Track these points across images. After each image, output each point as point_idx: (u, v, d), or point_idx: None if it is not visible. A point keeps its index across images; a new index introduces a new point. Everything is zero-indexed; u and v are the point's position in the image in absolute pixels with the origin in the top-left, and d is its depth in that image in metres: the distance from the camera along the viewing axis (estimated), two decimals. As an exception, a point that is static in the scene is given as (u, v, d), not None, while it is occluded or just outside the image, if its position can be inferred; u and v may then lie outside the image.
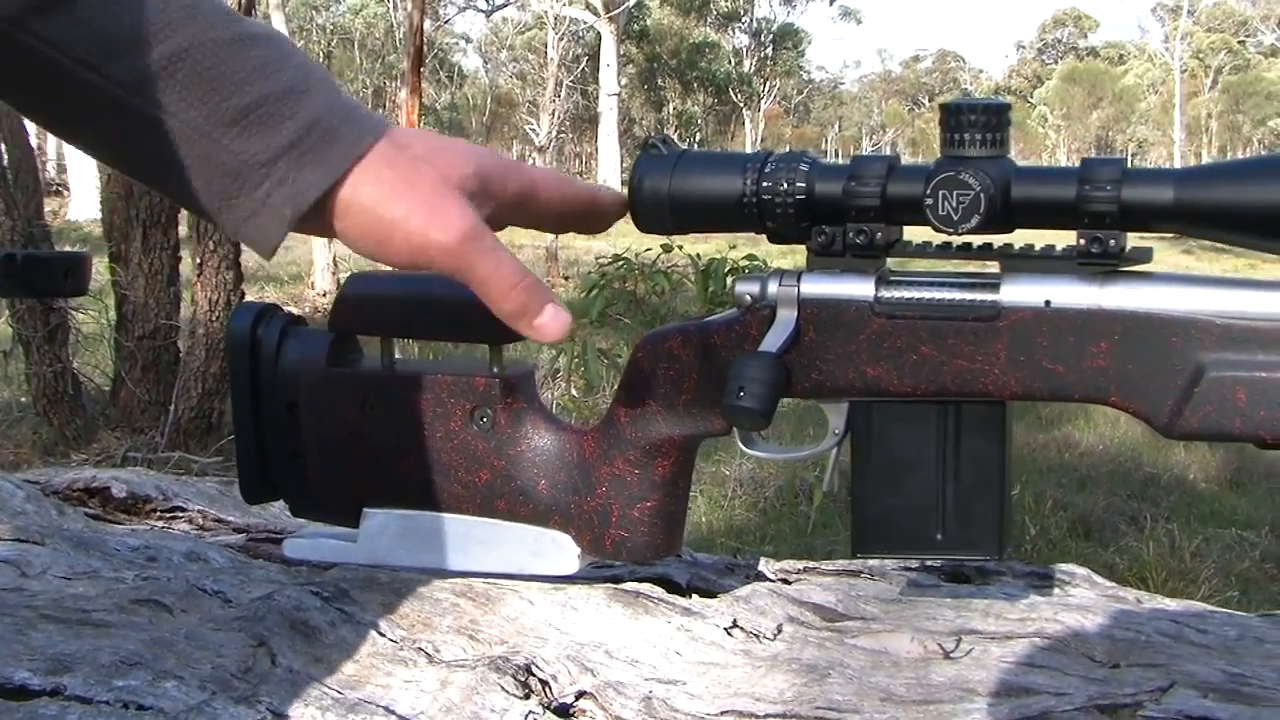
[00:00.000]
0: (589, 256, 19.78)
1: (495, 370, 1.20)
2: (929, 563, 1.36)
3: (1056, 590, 1.34)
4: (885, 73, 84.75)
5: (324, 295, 13.44)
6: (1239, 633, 1.22)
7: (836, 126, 73.88)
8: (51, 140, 27.36)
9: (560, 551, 1.20)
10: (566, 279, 16.49)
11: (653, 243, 8.77)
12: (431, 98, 39.85)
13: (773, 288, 1.09)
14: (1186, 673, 1.10)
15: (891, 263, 1.10)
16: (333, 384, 1.24)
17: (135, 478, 1.76)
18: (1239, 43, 55.90)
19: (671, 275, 8.74)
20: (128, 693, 1.02)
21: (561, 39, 21.68)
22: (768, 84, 46.12)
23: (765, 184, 1.06)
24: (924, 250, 1.07)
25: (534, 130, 21.23)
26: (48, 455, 6.27)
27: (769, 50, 46.11)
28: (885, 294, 1.07)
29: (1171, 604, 1.34)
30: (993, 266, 1.06)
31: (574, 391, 6.48)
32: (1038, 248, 1.05)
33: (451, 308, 1.17)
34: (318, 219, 0.92)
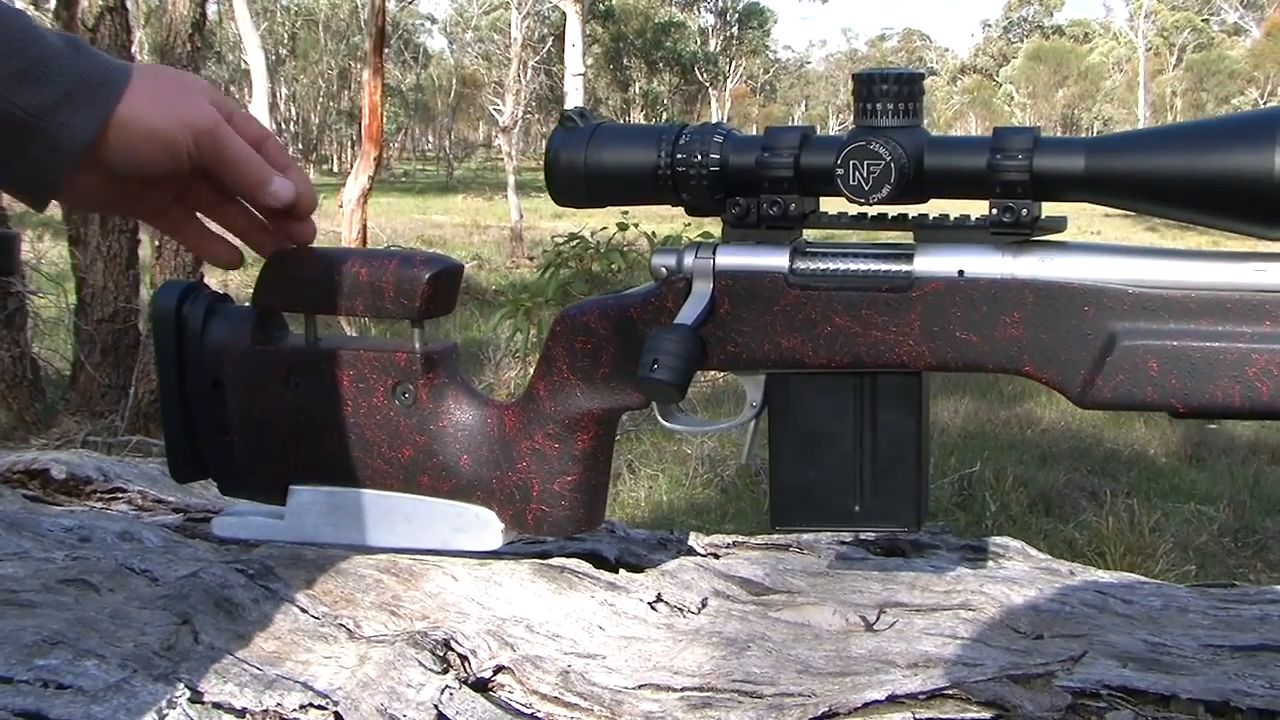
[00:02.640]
0: (553, 237, 19.79)
1: (417, 346, 1.19)
2: (861, 536, 1.37)
3: (990, 563, 1.35)
4: (851, 51, 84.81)
5: (287, 277, 13.37)
6: (1164, 603, 1.23)
7: (803, 105, 73.88)
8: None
9: (483, 527, 1.20)
10: (531, 259, 16.47)
11: (610, 221, 8.77)
12: (397, 79, 39.68)
13: (688, 260, 1.09)
14: (1107, 643, 1.11)
15: (809, 234, 1.11)
16: (257, 360, 1.23)
17: (76, 459, 1.75)
18: (1203, 21, 56.08)
19: (628, 254, 8.74)
20: (47, 672, 1.02)
21: (526, 19, 21.59)
22: (734, 63, 46.06)
23: (680, 156, 1.06)
24: (839, 221, 1.07)
25: (499, 111, 21.17)
26: (6, 440, 6.22)
27: (735, 29, 46.05)
28: (800, 265, 1.07)
29: (1104, 575, 1.35)
30: (907, 237, 1.06)
31: (532, 369, 6.49)
32: (952, 217, 1.05)
33: (371, 285, 1.17)
34: (96, 150, 1.05)
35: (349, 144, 40.10)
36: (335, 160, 42.60)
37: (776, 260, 1.07)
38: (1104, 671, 1.05)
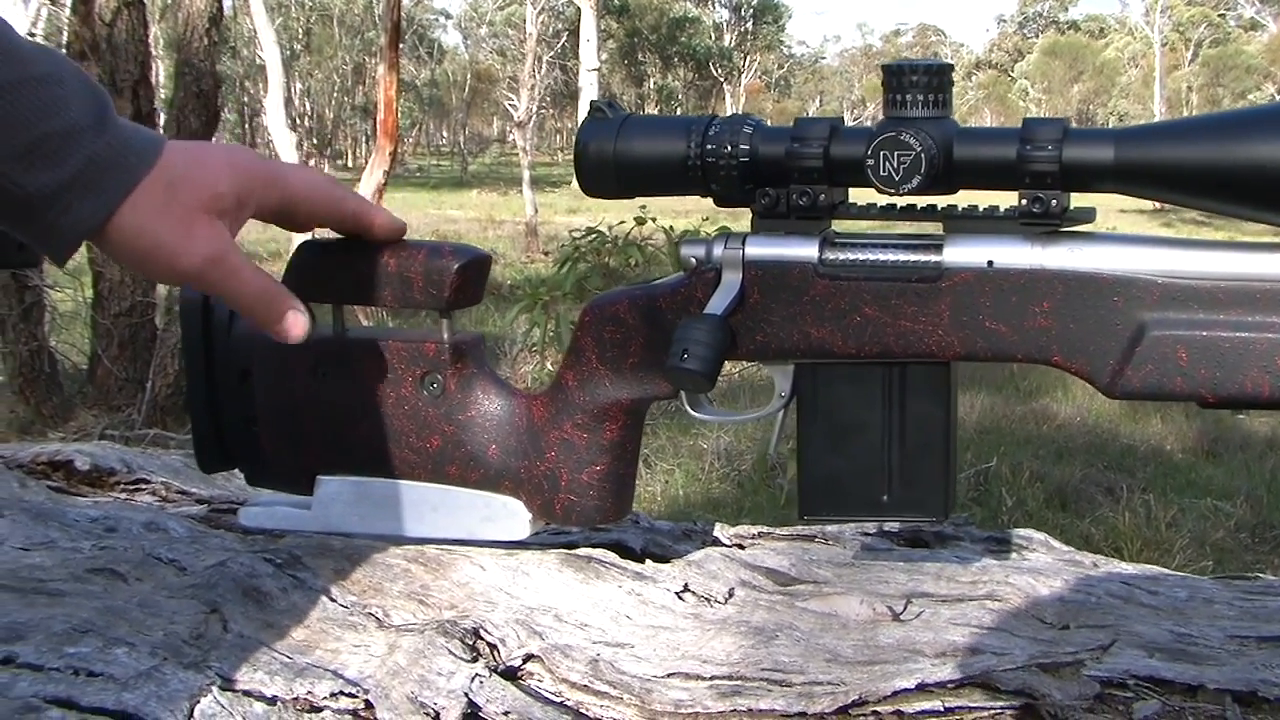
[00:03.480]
0: (568, 232, 19.81)
1: (445, 336, 1.20)
2: (885, 527, 1.37)
3: (1013, 555, 1.35)
4: (866, 47, 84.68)
5: (303, 272, 13.40)
6: (1189, 594, 1.23)
7: (818, 101, 73.81)
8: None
9: (511, 516, 1.21)
10: (546, 254, 16.49)
11: (627, 215, 8.78)
12: (412, 74, 39.73)
13: (718, 250, 1.10)
14: (1134, 633, 1.11)
15: (837, 225, 1.11)
16: (284, 351, 1.24)
17: (100, 451, 1.76)
18: (1219, 16, 55.91)
19: (645, 248, 8.75)
20: (78, 660, 1.02)
21: (541, 14, 21.62)
22: (748, 59, 46.05)
23: (709, 146, 1.06)
24: (868, 212, 1.08)
25: (514, 106, 21.20)
26: (24, 434, 6.25)
27: (749, 25, 46.03)
28: (829, 255, 1.07)
29: (1127, 567, 1.35)
30: (936, 227, 1.07)
31: (550, 366, 6.49)
32: (981, 208, 1.05)
33: (399, 275, 1.18)
34: (98, 241, 0.98)
35: (364, 139, 40.18)
36: (350, 155, 42.69)
37: (806, 250, 1.07)
38: (1131, 661, 1.05)
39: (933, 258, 1.04)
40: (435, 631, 1.07)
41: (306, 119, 38.96)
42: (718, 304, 1.08)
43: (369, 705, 1.01)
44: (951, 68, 1.03)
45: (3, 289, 6.23)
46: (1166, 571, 1.35)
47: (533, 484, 1.20)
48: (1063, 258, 1.02)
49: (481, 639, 1.08)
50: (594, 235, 8.61)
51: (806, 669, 1.04)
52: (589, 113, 1.11)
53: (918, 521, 1.29)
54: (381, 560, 1.20)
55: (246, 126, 35.61)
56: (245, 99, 34.60)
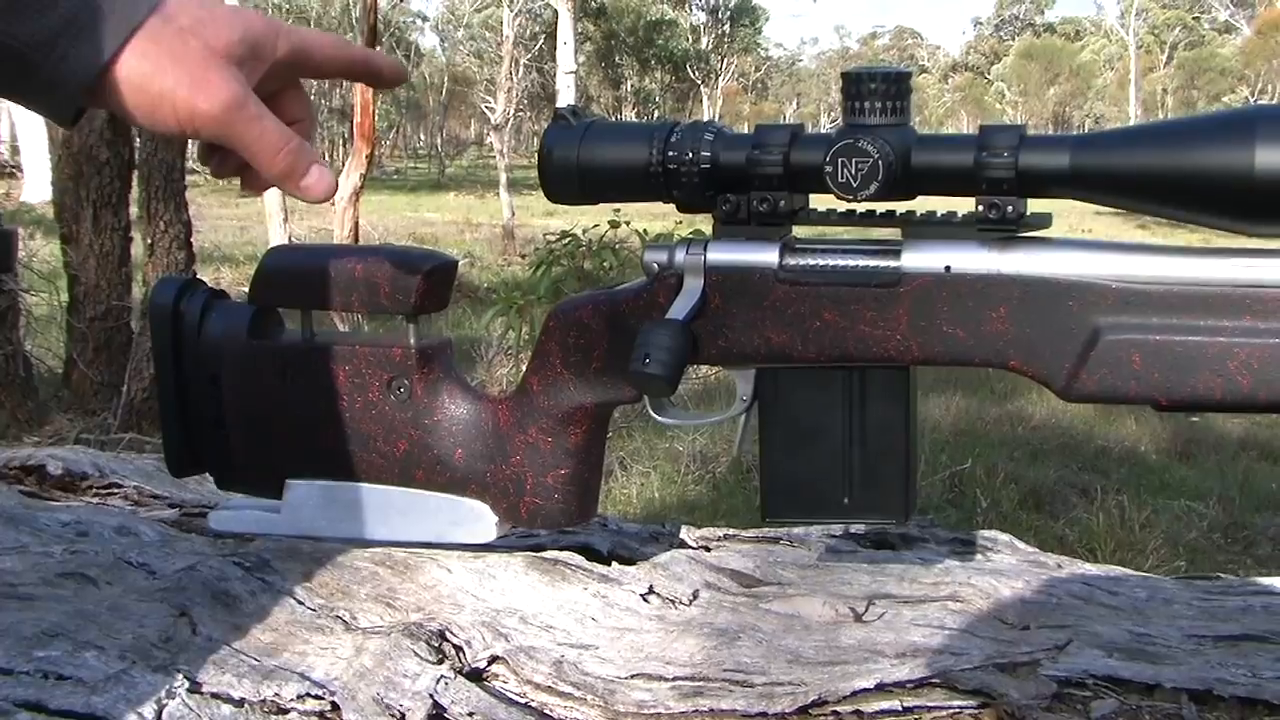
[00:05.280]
0: (545, 235, 19.78)
1: (412, 341, 1.21)
2: (851, 529, 1.38)
3: (978, 556, 1.36)
4: (843, 49, 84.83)
5: (279, 276, 13.38)
6: (1149, 594, 1.25)
7: (795, 103, 73.91)
8: (5, 121, 27.02)
9: (477, 520, 1.22)
10: (523, 257, 16.46)
11: (602, 219, 8.78)
12: (388, 77, 39.58)
13: (680, 256, 1.11)
14: (1093, 633, 1.13)
15: (799, 230, 1.12)
16: (254, 356, 1.25)
17: (72, 455, 1.77)
18: (1194, 19, 56.17)
19: (620, 251, 8.74)
20: (48, 663, 1.03)
21: (518, 17, 21.60)
22: (725, 61, 46.07)
23: (671, 153, 1.07)
24: (828, 217, 1.09)
25: (491, 109, 21.18)
26: (-1, 438, 6.23)
27: (726, 27, 46.03)
28: (789, 261, 1.08)
29: (1090, 568, 1.37)
30: (895, 233, 1.08)
31: (524, 367, 6.51)
32: (939, 214, 1.06)
33: (367, 281, 1.19)
34: (101, 93, 0.93)
35: (341, 141, 40.07)
36: (327, 157, 42.39)
37: (766, 256, 1.09)
38: (1089, 661, 1.06)
39: (891, 263, 1.06)
40: (401, 634, 1.08)
41: (283, 122, 38.81)
42: (680, 309, 1.09)
43: (335, 707, 1.02)
44: (910, 75, 1.05)
45: (-23, 293, 6.21)
46: (1128, 572, 1.37)
47: (499, 487, 1.21)
48: (1019, 263, 1.03)
49: (447, 641, 1.09)
50: (568, 239, 8.61)
51: (768, 670, 1.05)
52: (553, 119, 1.12)
53: (880, 523, 1.30)
54: (349, 563, 1.21)
55: (223, 129, 35.46)
56: (222, 102, 34.47)
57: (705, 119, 1.11)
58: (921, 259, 1.05)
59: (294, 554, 1.22)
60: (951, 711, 0.99)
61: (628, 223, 8.24)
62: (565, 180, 1.11)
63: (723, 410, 1.17)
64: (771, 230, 1.09)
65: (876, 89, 1.03)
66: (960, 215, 1.05)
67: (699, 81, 41.92)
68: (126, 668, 1.03)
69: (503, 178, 17.60)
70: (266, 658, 1.06)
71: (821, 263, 1.08)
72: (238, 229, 18.32)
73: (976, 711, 0.99)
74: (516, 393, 1.20)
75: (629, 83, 42.04)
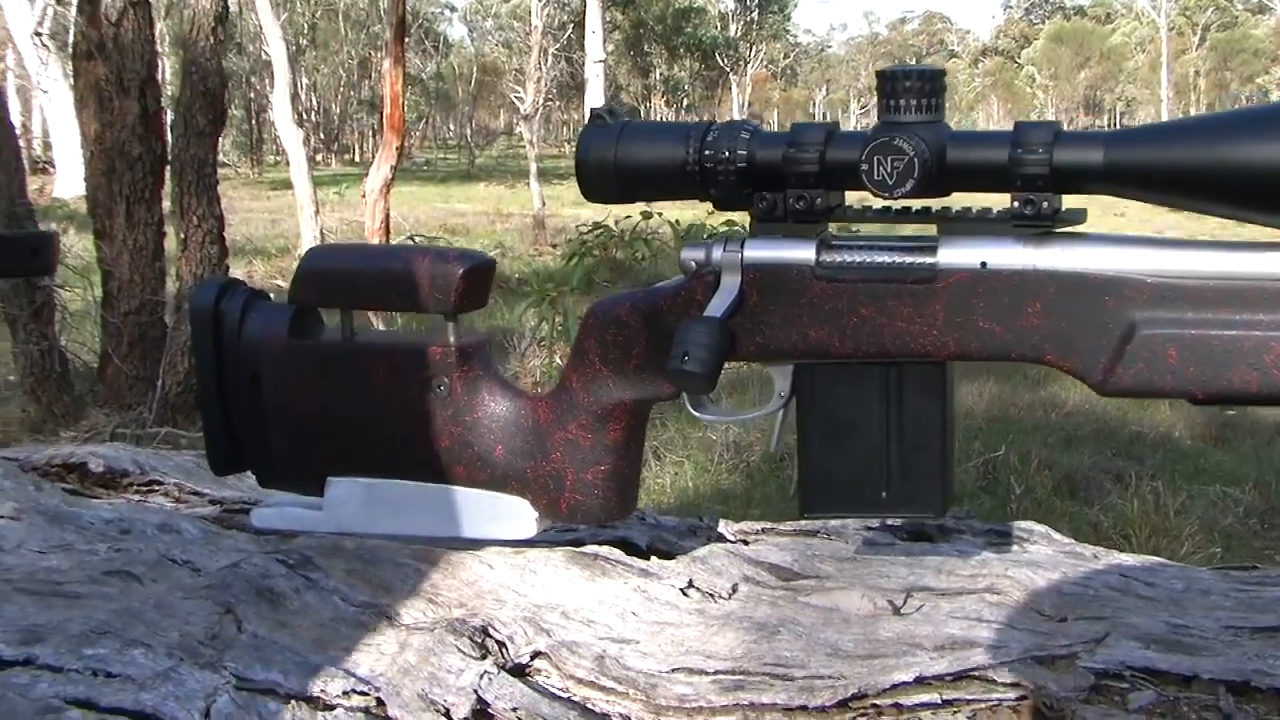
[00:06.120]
0: (576, 225, 19.77)
1: (451, 340, 1.22)
2: (888, 522, 1.39)
3: (1014, 547, 1.37)
4: (872, 35, 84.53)
5: (312, 268, 13.44)
6: (1185, 585, 1.25)
7: (824, 89, 73.71)
8: (38, 117, 27.19)
9: (518, 516, 1.23)
10: (555, 247, 16.47)
11: (634, 209, 8.79)
12: (418, 68, 39.72)
13: (717, 253, 1.12)
14: (1130, 624, 1.13)
15: (834, 226, 1.13)
16: (294, 355, 1.26)
17: (113, 453, 1.79)
18: (1226, 0, 55.78)
19: (652, 241, 8.77)
20: (96, 661, 1.05)
21: (546, 6, 21.59)
22: (754, 48, 45.97)
23: (708, 152, 1.08)
24: (863, 214, 1.10)
25: (520, 99, 21.19)
26: (36, 434, 6.27)
27: (755, 14, 45.92)
28: (826, 258, 1.09)
29: (1126, 559, 1.37)
30: (931, 230, 1.09)
31: (558, 360, 6.52)
32: (974, 210, 1.07)
33: (407, 280, 1.20)
34: None
35: (370, 133, 40.17)
36: (357, 150, 42.65)
37: (803, 253, 1.09)
38: (1127, 653, 1.07)
39: (927, 259, 1.06)
40: (445, 630, 1.09)
41: (313, 114, 38.98)
42: (717, 306, 1.10)
43: (380, 703, 1.03)
44: (943, 73, 1.05)
45: (13, 289, 6.25)
46: (1164, 562, 1.37)
47: (539, 484, 1.22)
48: (1055, 258, 1.04)
49: (490, 636, 1.10)
50: (600, 230, 8.63)
51: (808, 663, 1.06)
52: (589, 119, 1.14)
53: (917, 518, 1.30)
54: (391, 560, 1.22)
55: (253, 123, 35.61)
56: (252, 95, 34.60)
57: (740, 118, 1.12)
58: (957, 255, 1.06)
59: (336, 551, 1.24)
60: (990, 704, 1.00)
61: (659, 213, 8.25)
62: (603, 180, 1.12)
63: (760, 406, 1.18)
64: (808, 227, 1.10)
65: (911, 86, 1.03)
66: (995, 211, 1.06)
67: (728, 69, 41.87)
68: (174, 665, 1.05)
69: (533, 167, 17.61)
70: (312, 654, 1.08)
71: (858, 259, 1.08)
72: (269, 222, 18.38)
73: (1015, 704, 1.00)
74: (556, 390, 1.22)
75: (658, 71, 41.98)
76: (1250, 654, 1.07)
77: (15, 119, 6.87)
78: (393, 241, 13.77)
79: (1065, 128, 1.03)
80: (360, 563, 1.21)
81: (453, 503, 1.25)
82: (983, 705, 1.00)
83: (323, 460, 1.28)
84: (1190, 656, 1.07)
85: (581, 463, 1.21)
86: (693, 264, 1.13)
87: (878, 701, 1.00)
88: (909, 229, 1.10)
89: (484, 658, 1.07)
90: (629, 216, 8.60)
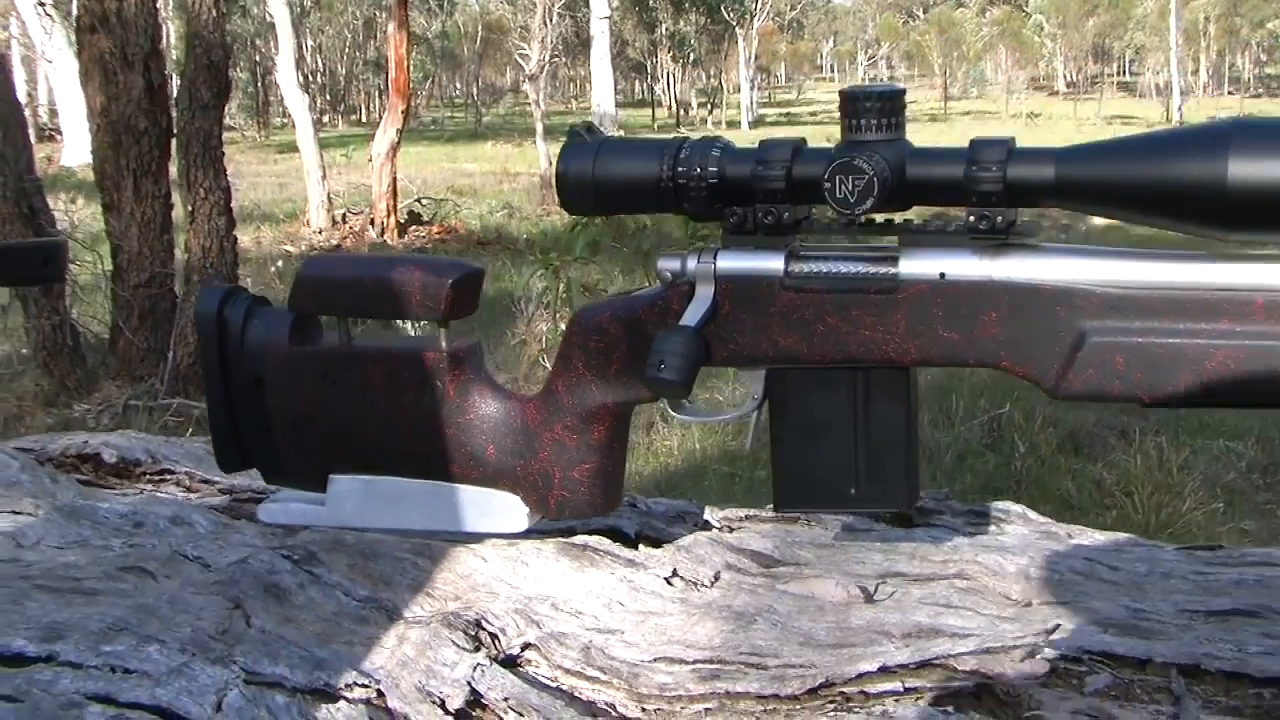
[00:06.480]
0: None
1: (443, 345, 1.28)
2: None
3: (992, 527, 1.43)
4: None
5: (319, 233, 13.50)
6: (1148, 568, 1.32)
7: (831, 41, 73.39)
8: (43, 85, 27.19)
9: (509, 511, 1.30)
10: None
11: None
12: (423, 27, 39.61)
13: (691, 264, 1.18)
14: (1091, 609, 1.19)
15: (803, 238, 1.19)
16: (295, 360, 1.33)
17: (125, 442, 1.85)
18: (1235, -56, 55.36)
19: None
20: (114, 658, 1.11)
21: (550, -37, 21.53)
22: (760, 1, 45.81)
23: (681, 168, 1.14)
24: (829, 227, 1.15)
25: (525, 56, 21.15)
26: (50, 407, 6.36)
27: (761, -33, 45.73)
28: (794, 269, 1.15)
29: (1099, 538, 1.43)
30: (894, 241, 1.14)
31: (562, 325, 6.58)
32: (934, 223, 1.13)
33: (400, 290, 1.26)
34: None
35: (377, 93, 40.09)
36: (363, 110, 42.65)
37: (772, 264, 1.15)
38: (1086, 638, 1.13)
39: (889, 270, 1.12)
40: (440, 624, 1.16)
41: (319, 75, 38.93)
42: (692, 316, 1.16)
43: (381, 694, 1.09)
44: (903, 92, 1.11)
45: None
46: (1136, 540, 1.43)
47: (528, 481, 1.29)
48: (1009, 269, 1.09)
49: (483, 629, 1.17)
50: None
51: (781, 652, 1.12)
52: (569, 137, 1.19)
53: (885, 511, 1.36)
54: (390, 554, 1.29)
55: (259, 85, 35.57)
56: (257, 58, 34.56)
57: (711, 136, 1.18)
58: (918, 266, 1.12)
59: (339, 546, 1.30)
60: (950, 691, 1.06)
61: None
62: (581, 194, 1.18)
63: (735, 408, 1.24)
64: (777, 240, 1.16)
65: (872, 107, 1.09)
66: (954, 224, 1.11)
67: (734, 23, 41.62)
68: (187, 660, 1.11)
69: (539, 127, 17.63)
70: (316, 648, 1.14)
71: (824, 269, 1.14)
72: (276, 186, 18.42)
73: (974, 690, 1.06)
74: (543, 393, 1.28)
75: (663, 26, 41.81)
76: (1202, 638, 1.14)
77: (21, 88, 6.90)
78: (400, 205, 13.86)
79: (1017, 144, 1.08)
80: (361, 558, 1.28)
81: (448, 499, 1.31)
82: (944, 692, 1.06)
83: (324, 458, 1.35)
84: (1146, 640, 1.13)
85: (568, 461, 1.27)
86: (668, 274, 1.19)
87: (845, 689, 1.07)
88: (873, 240, 1.16)
89: (477, 650, 1.14)
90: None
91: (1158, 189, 1.02)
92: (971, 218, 1.09)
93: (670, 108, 42.07)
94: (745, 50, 39.42)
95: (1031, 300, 1.09)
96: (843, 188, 1.08)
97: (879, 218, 1.14)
